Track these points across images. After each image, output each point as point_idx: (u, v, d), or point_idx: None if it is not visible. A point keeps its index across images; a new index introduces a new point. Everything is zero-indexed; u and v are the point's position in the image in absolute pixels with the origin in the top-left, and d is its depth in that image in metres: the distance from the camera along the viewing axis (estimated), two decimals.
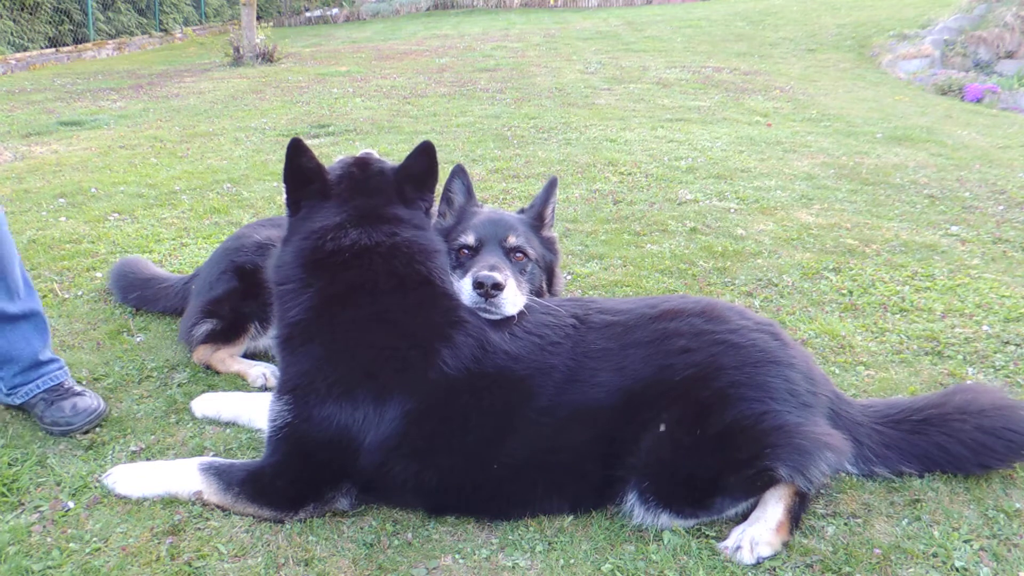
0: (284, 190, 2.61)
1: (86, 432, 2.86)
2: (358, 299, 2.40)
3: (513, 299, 2.52)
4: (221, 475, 2.46)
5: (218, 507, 2.45)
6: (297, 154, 2.49)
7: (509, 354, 2.38)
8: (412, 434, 2.31)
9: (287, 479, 2.40)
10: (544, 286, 2.86)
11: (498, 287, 2.47)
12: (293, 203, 2.58)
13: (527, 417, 2.33)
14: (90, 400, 2.93)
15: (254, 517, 2.42)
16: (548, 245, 2.95)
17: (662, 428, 2.28)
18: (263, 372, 3.27)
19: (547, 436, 2.33)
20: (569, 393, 2.34)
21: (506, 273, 2.55)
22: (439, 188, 2.76)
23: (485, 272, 2.50)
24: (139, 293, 3.92)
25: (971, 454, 2.47)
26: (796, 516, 2.31)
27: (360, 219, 2.48)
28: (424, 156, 2.55)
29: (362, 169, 2.60)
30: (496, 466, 2.34)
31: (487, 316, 2.48)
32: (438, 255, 2.55)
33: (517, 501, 2.41)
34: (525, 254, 2.78)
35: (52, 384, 2.96)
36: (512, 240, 2.76)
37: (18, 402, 2.96)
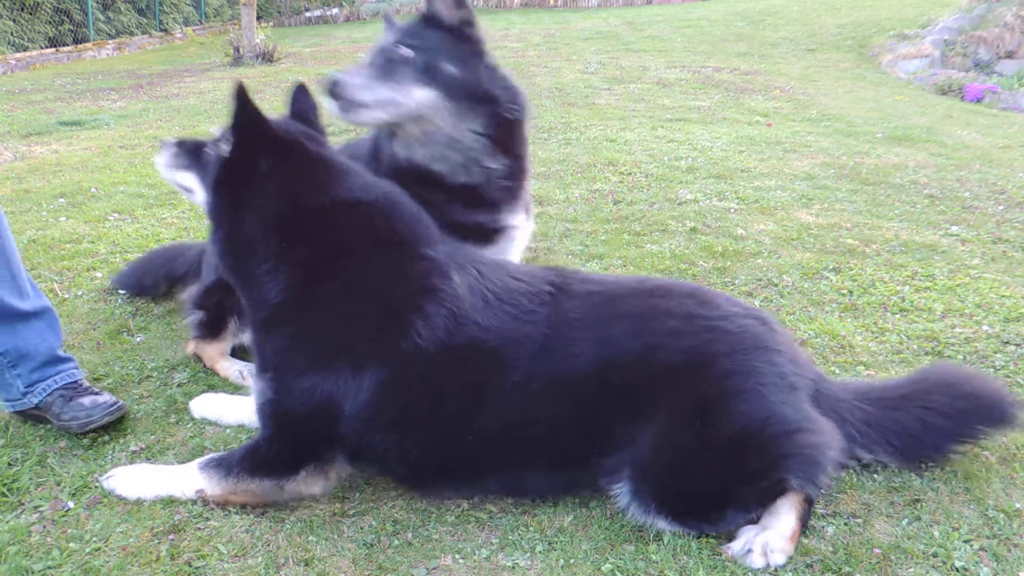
0: None
1: (92, 430, 2.85)
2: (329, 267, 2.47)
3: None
4: (220, 464, 2.47)
5: (220, 500, 2.45)
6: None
7: (480, 324, 2.32)
8: (386, 406, 2.31)
9: (282, 444, 2.42)
10: None
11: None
12: None
13: (502, 390, 2.28)
14: (107, 397, 2.94)
15: (255, 498, 2.43)
16: None
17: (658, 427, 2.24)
18: (239, 371, 3.27)
19: (523, 410, 2.28)
20: (545, 363, 2.28)
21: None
22: None
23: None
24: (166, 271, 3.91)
25: (952, 424, 2.46)
26: (805, 523, 2.29)
27: None
28: None
29: None
30: (471, 438, 2.32)
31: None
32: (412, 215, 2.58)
33: (497, 474, 2.39)
34: None
35: (70, 380, 2.95)
36: None
37: (35, 401, 2.90)
